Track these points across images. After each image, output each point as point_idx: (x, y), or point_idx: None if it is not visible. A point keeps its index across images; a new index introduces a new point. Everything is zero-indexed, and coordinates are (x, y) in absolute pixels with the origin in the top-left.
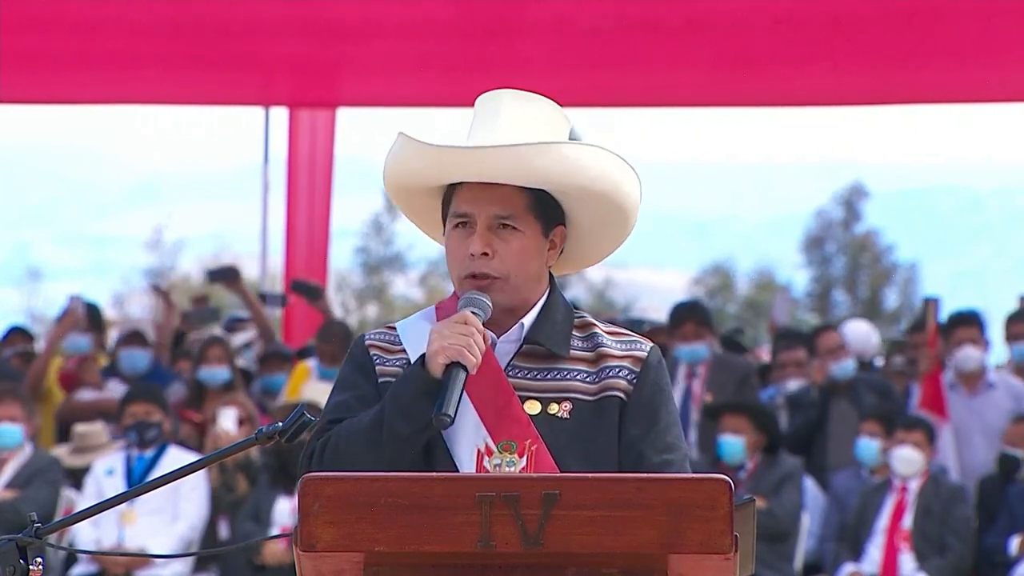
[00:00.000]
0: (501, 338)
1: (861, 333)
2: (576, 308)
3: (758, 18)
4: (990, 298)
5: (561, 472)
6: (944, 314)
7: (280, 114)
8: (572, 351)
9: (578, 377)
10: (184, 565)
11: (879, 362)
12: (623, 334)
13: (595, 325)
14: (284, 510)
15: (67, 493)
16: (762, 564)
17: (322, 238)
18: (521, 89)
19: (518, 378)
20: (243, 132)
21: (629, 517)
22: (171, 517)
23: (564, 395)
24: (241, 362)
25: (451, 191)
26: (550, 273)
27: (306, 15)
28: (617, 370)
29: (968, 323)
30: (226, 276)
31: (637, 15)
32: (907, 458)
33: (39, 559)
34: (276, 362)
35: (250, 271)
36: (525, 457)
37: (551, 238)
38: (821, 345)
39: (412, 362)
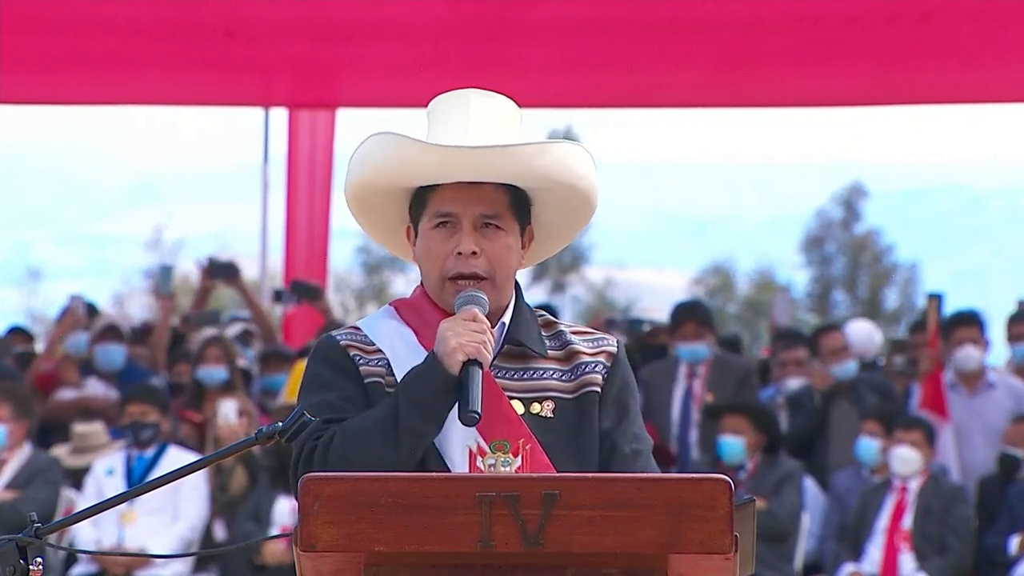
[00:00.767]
0: None
1: (864, 333)
2: (534, 308)
3: (758, 18)
4: (990, 298)
5: (555, 471)
6: (945, 313)
7: (280, 114)
8: (548, 350)
9: (554, 376)
10: (184, 565)
11: (881, 362)
12: (587, 332)
13: (558, 324)
14: (284, 510)
15: (67, 493)
16: (762, 564)
17: (322, 238)
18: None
19: (501, 378)
20: (243, 132)
21: (629, 517)
22: (171, 517)
23: (544, 394)
24: (242, 362)
25: (424, 191)
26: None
27: (306, 16)
28: (593, 366)
29: (968, 323)
30: (226, 272)
31: (637, 15)
32: (905, 458)
33: (39, 559)
34: (276, 362)
35: (250, 271)
36: (520, 456)
37: (524, 237)
38: (824, 345)
39: (392, 362)
